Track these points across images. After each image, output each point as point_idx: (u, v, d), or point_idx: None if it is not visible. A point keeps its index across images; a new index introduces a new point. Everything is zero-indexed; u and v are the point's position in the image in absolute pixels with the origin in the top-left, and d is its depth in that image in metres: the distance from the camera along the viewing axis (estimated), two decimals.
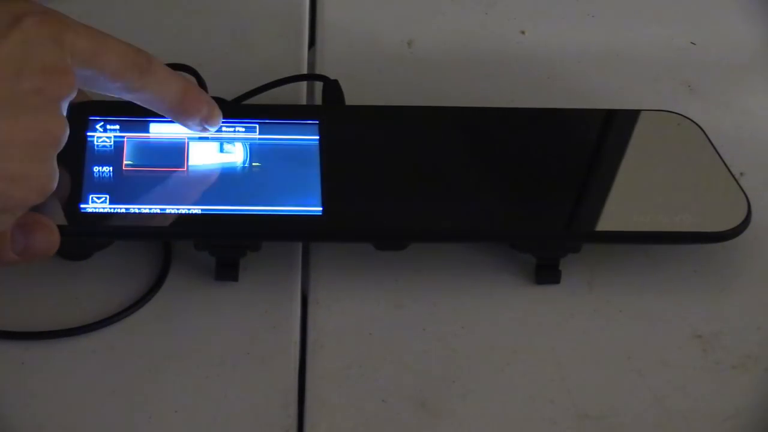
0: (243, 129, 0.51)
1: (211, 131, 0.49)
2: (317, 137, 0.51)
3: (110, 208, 0.48)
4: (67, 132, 0.43)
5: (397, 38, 0.61)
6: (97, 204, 0.48)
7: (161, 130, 0.51)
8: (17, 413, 0.45)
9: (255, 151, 0.50)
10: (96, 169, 0.49)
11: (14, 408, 0.46)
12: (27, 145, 0.41)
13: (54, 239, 0.45)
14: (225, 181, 0.49)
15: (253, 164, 0.50)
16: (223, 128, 0.51)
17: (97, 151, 0.49)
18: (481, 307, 0.50)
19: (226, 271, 0.49)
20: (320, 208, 0.48)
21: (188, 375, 0.47)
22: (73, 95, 0.43)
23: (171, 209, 0.48)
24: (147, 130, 0.50)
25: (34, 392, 0.46)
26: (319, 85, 0.56)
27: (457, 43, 0.61)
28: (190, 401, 0.46)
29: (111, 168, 0.49)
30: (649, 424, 0.47)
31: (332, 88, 0.55)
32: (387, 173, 0.51)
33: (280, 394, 0.47)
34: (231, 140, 0.50)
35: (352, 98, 0.55)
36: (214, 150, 0.50)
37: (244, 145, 0.50)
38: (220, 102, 0.54)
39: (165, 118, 0.51)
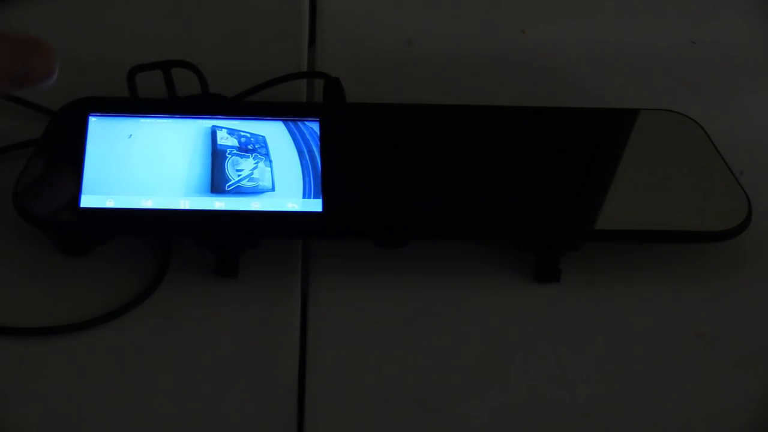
0: (243, 126, 0.51)
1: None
2: (318, 134, 0.51)
3: (110, 204, 0.47)
4: None
5: (397, 37, 0.61)
6: (96, 200, 0.48)
7: (161, 128, 0.50)
8: (16, 410, 0.45)
9: (255, 149, 0.50)
10: (95, 165, 0.49)
11: (13, 404, 0.45)
12: None
13: (52, 62, 0.42)
14: (225, 178, 0.49)
15: (254, 161, 0.50)
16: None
17: (97, 147, 0.49)
18: (481, 306, 0.50)
19: (226, 267, 0.49)
20: (320, 206, 0.48)
21: (187, 373, 0.47)
22: None
23: (171, 205, 0.48)
24: (147, 127, 0.50)
25: (33, 389, 0.46)
26: (319, 83, 0.56)
27: (457, 42, 0.61)
28: (189, 399, 0.46)
29: (110, 164, 0.49)
30: (649, 424, 0.47)
31: (333, 85, 0.55)
32: (387, 171, 0.51)
33: (280, 393, 0.47)
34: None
35: (352, 96, 0.55)
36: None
37: (244, 143, 0.50)
38: (220, 99, 0.54)
39: (165, 114, 0.51)
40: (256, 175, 0.49)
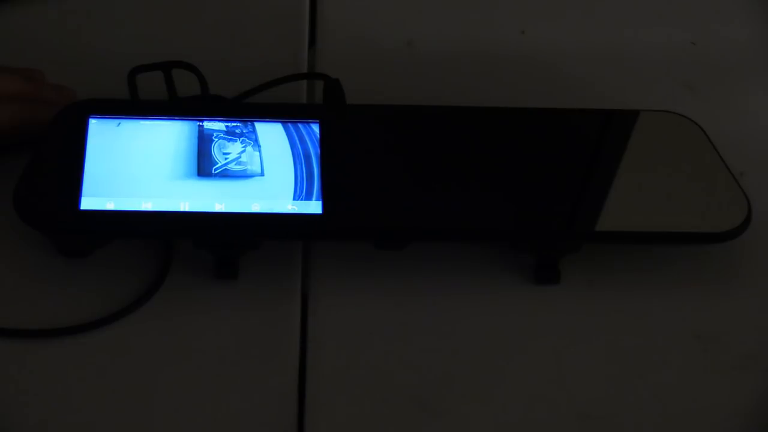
0: (243, 127, 0.51)
1: None
2: (318, 136, 0.51)
3: (110, 207, 0.48)
4: None
5: (397, 37, 0.61)
6: (96, 202, 0.48)
7: (161, 129, 0.50)
8: (16, 411, 0.45)
9: (255, 150, 0.50)
10: (95, 167, 0.49)
11: (13, 406, 0.45)
12: None
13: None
14: (225, 180, 0.49)
15: (241, 145, 0.50)
16: (224, 127, 0.51)
17: (97, 149, 0.49)
18: (481, 307, 0.50)
19: (226, 269, 0.49)
20: (320, 208, 0.48)
21: (188, 374, 0.47)
22: None
23: (171, 207, 0.48)
24: (147, 129, 0.50)
25: (33, 390, 0.46)
26: (318, 85, 0.56)
27: (457, 42, 0.61)
28: (189, 400, 0.46)
29: (110, 166, 0.49)
30: (649, 424, 0.47)
31: (333, 86, 0.54)
32: (387, 172, 0.51)
33: (280, 394, 0.47)
34: (231, 139, 0.50)
35: (351, 97, 0.55)
36: (214, 149, 0.50)
37: (244, 144, 0.50)
38: (220, 100, 0.54)
39: (165, 117, 0.51)
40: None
